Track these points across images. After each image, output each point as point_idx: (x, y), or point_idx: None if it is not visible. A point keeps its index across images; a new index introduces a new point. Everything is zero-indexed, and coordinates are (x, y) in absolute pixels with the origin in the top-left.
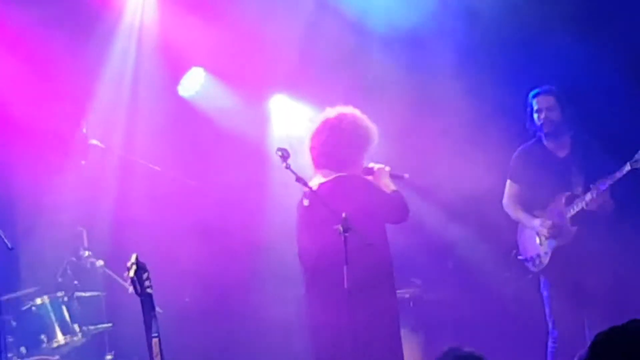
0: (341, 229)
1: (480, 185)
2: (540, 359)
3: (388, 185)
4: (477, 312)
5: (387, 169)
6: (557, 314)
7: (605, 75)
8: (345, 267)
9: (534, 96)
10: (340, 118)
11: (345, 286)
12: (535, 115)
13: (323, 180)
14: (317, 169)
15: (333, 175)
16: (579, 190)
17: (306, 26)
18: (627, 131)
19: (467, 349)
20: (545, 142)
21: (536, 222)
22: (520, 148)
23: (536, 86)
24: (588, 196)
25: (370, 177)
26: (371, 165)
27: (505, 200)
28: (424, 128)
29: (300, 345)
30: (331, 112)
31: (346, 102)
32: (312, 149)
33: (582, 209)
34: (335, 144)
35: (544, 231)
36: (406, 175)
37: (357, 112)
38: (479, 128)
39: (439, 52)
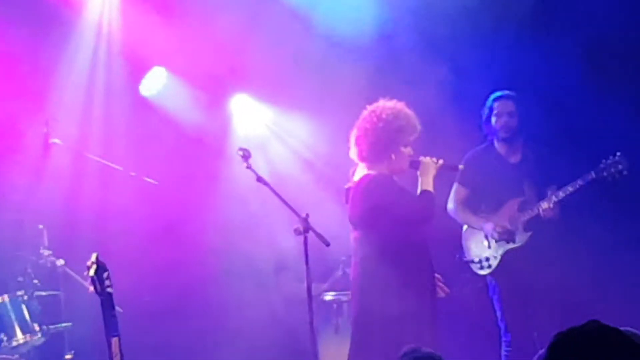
0: (301, 228)
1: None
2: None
3: (427, 182)
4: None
5: (439, 162)
6: (508, 318)
7: (561, 72)
8: (305, 268)
9: (495, 99)
10: (373, 112)
11: (305, 285)
12: (494, 119)
13: (357, 178)
14: (359, 162)
15: (363, 173)
16: (531, 196)
17: (268, 27)
18: (584, 128)
19: (425, 349)
20: (497, 147)
21: (489, 225)
22: (470, 152)
23: (491, 87)
24: (545, 203)
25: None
26: (421, 158)
27: (451, 205)
28: None
29: (265, 345)
30: (370, 107)
31: (307, 104)
32: (353, 143)
33: (537, 214)
34: (367, 139)
35: (497, 234)
36: (460, 167)
37: (393, 105)
38: (436, 130)
39: (394, 54)
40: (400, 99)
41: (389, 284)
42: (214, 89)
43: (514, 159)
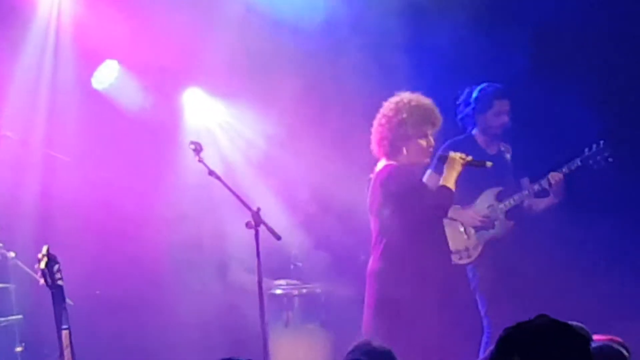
0: (252, 222)
1: None
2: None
3: (448, 177)
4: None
5: (468, 158)
6: (488, 306)
7: (511, 62)
8: (257, 261)
9: (497, 98)
10: (380, 109)
11: (257, 279)
12: (492, 117)
13: (378, 168)
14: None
15: (383, 164)
16: (508, 187)
17: (221, 21)
18: (534, 118)
19: (375, 343)
20: (477, 138)
21: (466, 214)
22: (450, 141)
23: (438, 76)
24: (525, 192)
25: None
26: (450, 153)
27: None
28: (334, 123)
29: (215, 338)
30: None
31: (259, 97)
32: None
33: (518, 204)
34: (375, 137)
35: (477, 222)
36: (489, 164)
37: (398, 99)
38: None
39: (345, 49)
40: (350, 89)
41: (402, 273)
42: (165, 83)
43: (492, 150)
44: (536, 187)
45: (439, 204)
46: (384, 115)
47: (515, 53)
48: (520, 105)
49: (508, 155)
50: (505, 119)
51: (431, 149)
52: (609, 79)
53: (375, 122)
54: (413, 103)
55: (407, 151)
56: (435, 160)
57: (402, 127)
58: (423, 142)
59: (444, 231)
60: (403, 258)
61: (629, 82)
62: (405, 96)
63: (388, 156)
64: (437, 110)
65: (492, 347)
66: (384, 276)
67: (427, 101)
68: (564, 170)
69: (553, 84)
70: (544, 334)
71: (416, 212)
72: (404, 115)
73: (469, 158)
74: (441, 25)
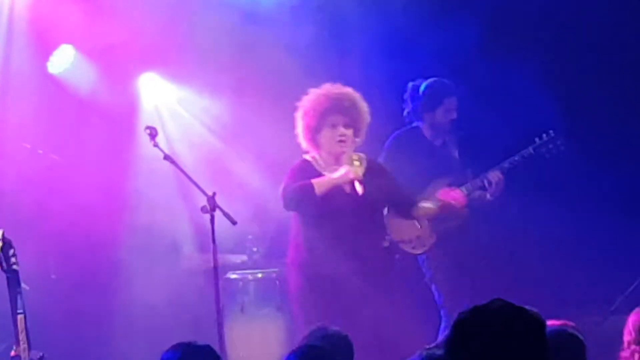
0: (208, 207)
1: None
2: (405, 336)
3: (327, 182)
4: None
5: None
6: (444, 293)
7: (463, 44)
8: (212, 246)
9: (446, 96)
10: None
11: (212, 264)
12: (441, 113)
13: None
14: None
15: None
16: (456, 177)
17: (176, 4)
18: (489, 97)
19: (333, 328)
20: (423, 130)
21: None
22: (396, 133)
23: (392, 59)
24: (494, 175)
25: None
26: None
27: None
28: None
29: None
30: None
31: (215, 82)
32: None
33: (470, 192)
34: (297, 127)
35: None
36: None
37: (314, 90)
38: None
39: (303, 30)
40: (301, 72)
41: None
42: (121, 67)
43: (438, 141)
44: (477, 182)
45: (293, 198)
46: (297, 110)
47: (467, 35)
48: (474, 88)
49: (454, 147)
50: (453, 115)
51: (342, 138)
52: (563, 60)
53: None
54: (314, 94)
55: (320, 143)
56: (384, 152)
57: (306, 119)
58: (336, 132)
59: (338, 228)
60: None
61: (584, 63)
62: (314, 90)
63: (307, 151)
64: (347, 99)
65: (447, 332)
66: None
67: (336, 91)
68: (516, 158)
69: (505, 65)
70: (499, 318)
71: (292, 208)
72: (306, 107)
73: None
74: (393, 7)
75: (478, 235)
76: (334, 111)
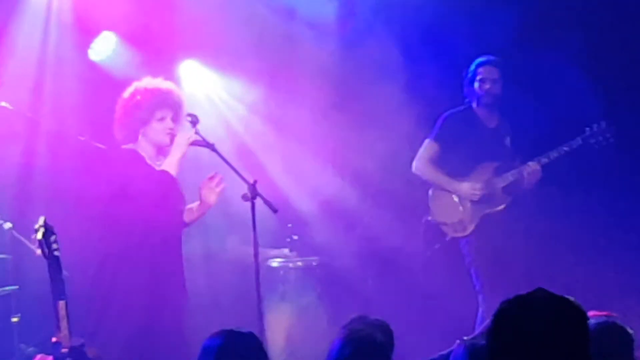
0: (249, 194)
1: (392, 158)
2: (448, 327)
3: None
4: (384, 281)
5: (193, 138)
6: (483, 281)
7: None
8: (253, 234)
9: (480, 65)
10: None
11: (253, 252)
12: (477, 84)
13: None
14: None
15: None
16: (505, 161)
17: None
18: (545, 98)
19: (373, 317)
20: (476, 110)
21: (464, 185)
22: (450, 111)
23: (454, 64)
24: (532, 166)
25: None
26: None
27: (418, 162)
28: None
29: (211, 311)
30: None
31: (255, 70)
32: None
33: (516, 180)
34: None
35: (475, 196)
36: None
37: (144, 82)
38: (402, 110)
39: (368, 29)
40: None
41: None
42: (162, 54)
43: (491, 123)
44: (517, 172)
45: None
46: (120, 100)
47: (506, 21)
48: (523, 81)
49: (505, 131)
50: (488, 86)
51: (168, 131)
52: (611, 53)
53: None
54: (148, 87)
55: (143, 134)
56: (435, 128)
57: (136, 111)
58: (158, 126)
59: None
60: None
61: (627, 51)
62: (143, 81)
63: (124, 140)
64: (175, 95)
65: (488, 321)
66: None
67: (165, 85)
68: (565, 148)
69: (545, 53)
70: (541, 307)
71: None
72: (138, 98)
73: (190, 137)
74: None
75: (519, 222)
76: (163, 105)
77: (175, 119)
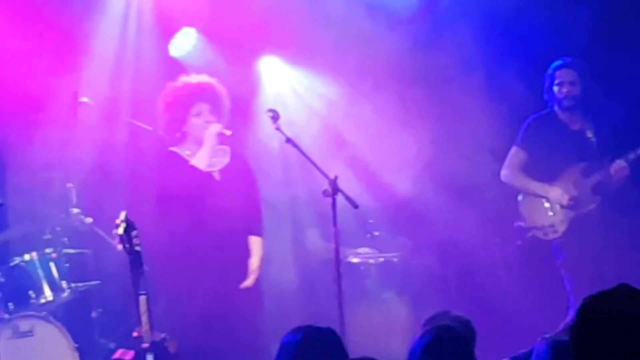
0: (329, 190)
1: (472, 156)
2: (530, 323)
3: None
4: (463, 277)
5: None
6: (575, 283)
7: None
8: (334, 229)
9: (557, 68)
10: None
11: (334, 247)
12: (556, 88)
13: None
14: None
15: None
16: (591, 162)
17: None
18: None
19: (455, 313)
20: (559, 114)
21: (555, 190)
22: (532, 117)
23: (555, 57)
24: (619, 164)
25: None
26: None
27: (507, 170)
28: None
29: (292, 306)
30: None
31: (334, 69)
32: None
33: (604, 179)
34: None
35: (565, 200)
36: (228, 132)
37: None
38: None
39: (448, 25)
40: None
41: None
42: (243, 50)
43: (575, 126)
44: (605, 171)
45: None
46: (158, 103)
47: (586, 16)
48: (607, 78)
49: (590, 132)
50: (566, 89)
51: (207, 125)
52: None
53: None
54: (175, 86)
55: (187, 133)
56: (520, 135)
57: (170, 111)
58: (196, 121)
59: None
60: None
61: None
62: (177, 81)
63: (172, 142)
64: (208, 87)
65: (570, 318)
66: None
67: (196, 80)
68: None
69: (625, 48)
70: (625, 303)
71: None
72: (169, 99)
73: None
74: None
75: (609, 221)
76: (197, 99)
77: (215, 111)
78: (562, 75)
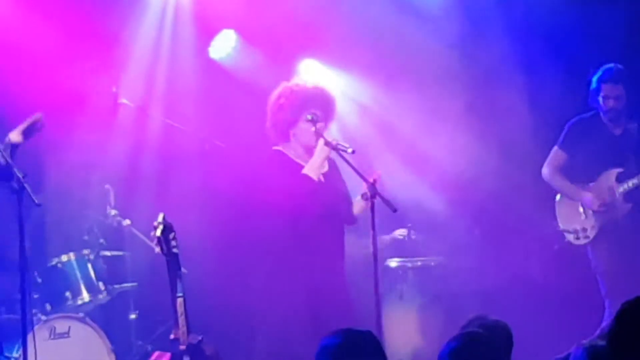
0: (368, 194)
1: (509, 157)
2: (566, 328)
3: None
4: (501, 281)
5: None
6: (610, 288)
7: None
8: (372, 232)
9: (603, 81)
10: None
11: (372, 251)
12: (601, 100)
13: None
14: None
15: None
16: (630, 168)
17: None
18: None
19: (492, 317)
20: (602, 117)
21: (587, 195)
22: (576, 118)
23: (590, 58)
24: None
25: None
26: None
27: (547, 169)
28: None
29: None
30: None
31: (377, 71)
32: None
33: (637, 186)
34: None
35: (595, 205)
36: (350, 150)
37: (282, 85)
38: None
39: (481, 26)
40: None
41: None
42: (282, 54)
43: (618, 130)
44: (634, 181)
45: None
46: (268, 104)
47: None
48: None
49: (632, 137)
50: (611, 103)
51: (316, 133)
52: None
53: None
54: (293, 88)
55: (293, 135)
56: (562, 136)
57: (281, 112)
58: (305, 126)
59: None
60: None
61: None
62: (291, 82)
63: (276, 143)
64: (322, 95)
65: (607, 323)
66: None
67: (311, 84)
68: None
69: None
70: None
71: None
72: (282, 101)
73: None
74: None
75: None
76: (301, 107)
77: (324, 117)
78: (608, 89)
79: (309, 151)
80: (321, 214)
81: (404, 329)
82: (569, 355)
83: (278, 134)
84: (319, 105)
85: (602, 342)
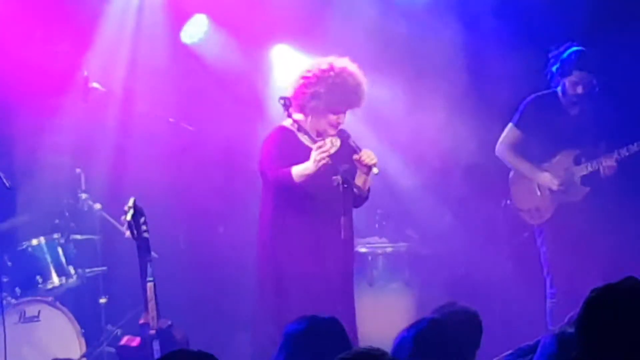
0: (339, 180)
1: (482, 144)
2: (535, 316)
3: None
4: (472, 268)
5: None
6: (555, 271)
7: None
8: (343, 219)
9: (577, 67)
10: (312, 67)
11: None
12: (568, 84)
13: None
14: None
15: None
16: (586, 150)
17: None
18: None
19: (462, 304)
20: (560, 97)
21: (545, 175)
22: (532, 96)
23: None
24: (608, 160)
25: None
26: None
27: (501, 146)
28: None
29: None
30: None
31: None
32: None
33: (596, 170)
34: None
35: (555, 185)
36: (356, 156)
37: (337, 68)
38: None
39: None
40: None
41: None
42: (254, 38)
43: (574, 111)
44: (595, 164)
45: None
46: (303, 77)
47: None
48: (608, 67)
49: (591, 117)
50: (578, 90)
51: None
52: None
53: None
54: (337, 79)
55: (311, 119)
56: (517, 113)
57: (314, 100)
58: (333, 118)
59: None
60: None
61: None
62: (336, 64)
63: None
64: (359, 90)
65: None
66: None
67: (352, 78)
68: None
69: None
70: (631, 296)
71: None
72: (320, 90)
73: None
74: None
75: (596, 213)
76: (346, 102)
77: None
78: (581, 77)
79: (320, 135)
80: (313, 195)
81: (373, 315)
82: (538, 342)
83: (295, 108)
84: (351, 103)
85: (571, 329)
